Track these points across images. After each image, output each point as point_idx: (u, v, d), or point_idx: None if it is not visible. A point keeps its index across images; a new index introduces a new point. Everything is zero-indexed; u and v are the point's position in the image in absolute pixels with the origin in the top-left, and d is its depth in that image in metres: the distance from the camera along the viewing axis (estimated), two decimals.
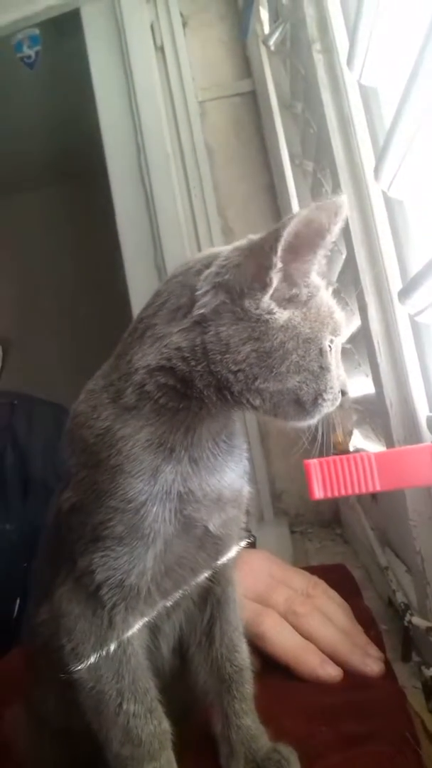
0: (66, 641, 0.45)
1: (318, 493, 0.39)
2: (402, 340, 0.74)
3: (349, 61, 0.71)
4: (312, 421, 0.47)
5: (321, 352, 0.45)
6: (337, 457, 0.40)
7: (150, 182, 1.67)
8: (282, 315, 0.44)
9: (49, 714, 0.52)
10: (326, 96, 0.82)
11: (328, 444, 0.51)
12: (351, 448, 1.15)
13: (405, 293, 0.67)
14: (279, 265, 0.42)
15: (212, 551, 0.49)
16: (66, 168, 2.97)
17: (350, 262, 0.85)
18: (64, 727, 0.51)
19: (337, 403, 0.47)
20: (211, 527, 0.47)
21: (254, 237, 0.45)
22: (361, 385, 1.18)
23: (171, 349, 0.44)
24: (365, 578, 0.97)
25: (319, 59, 0.83)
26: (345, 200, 0.42)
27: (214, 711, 0.51)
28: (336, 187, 0.86)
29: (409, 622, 0.67)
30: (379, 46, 0.65)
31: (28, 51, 1.91)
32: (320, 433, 0.49)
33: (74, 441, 0.47)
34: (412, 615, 0.67)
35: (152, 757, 0.44)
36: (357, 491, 0.38)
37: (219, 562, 0.51)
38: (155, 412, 0.45)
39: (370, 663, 0.64)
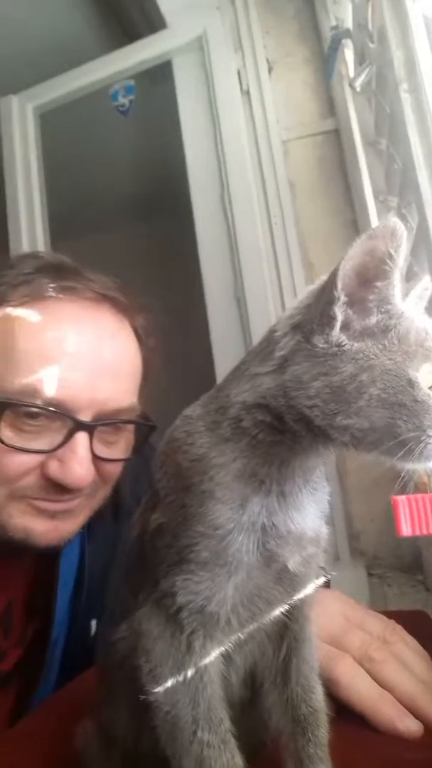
0: (144, 662, 0.46)
1: (405, 530, 0.38)
2: None
3: None
4: (428, 464, 0.43)
5: (411, 384, 0.41)
6: (427, 495, 0.38)
7: (233, 218, 1.72)
8: (353, 347, 0.43)
9: (119, 735, 0.52)
10: (413, 133, 0.82)
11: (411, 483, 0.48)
12: None
13: None
14: (342, 298, 0.42)
15: (289, 587, 0.48)
16: (153, 206, 3.11)
17: None
18: (133, 750, 0.51)
19: None
20: (291, 565, 0.46)
21: (324, 277, 0.45)
22: None
23: (263, 389, 0.45)
24: None
25: (406, 98, 0.84)
26: (397, 222, 0.42)
27: (287, 753, 0.50)
28: (422, 222, 0.85)
29: None
30: None
31: (122, 100, 2.05)
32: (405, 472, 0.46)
33: (167, 464, 0.49)
34: None
35: None
36: None
37: (295, 599, 0.50)
38: (251, 446, 0.46)
39: None
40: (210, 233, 1.79)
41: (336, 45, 1.45)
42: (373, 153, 1.41)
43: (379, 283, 0.43)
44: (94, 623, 0.85)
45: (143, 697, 0.45)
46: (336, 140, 1.70)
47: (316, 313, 0.44)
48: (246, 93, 1.82)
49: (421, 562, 1.36)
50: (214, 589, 0.44)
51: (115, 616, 0.51)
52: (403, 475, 0.46)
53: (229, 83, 1.83)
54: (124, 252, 3.38)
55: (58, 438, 0.72)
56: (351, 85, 1.27)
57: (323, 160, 1.72)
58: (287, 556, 0.46)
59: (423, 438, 0.41)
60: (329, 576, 0.94)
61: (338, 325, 0.43)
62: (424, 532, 0.37)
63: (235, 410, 0.46)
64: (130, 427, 0.82)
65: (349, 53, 1.49)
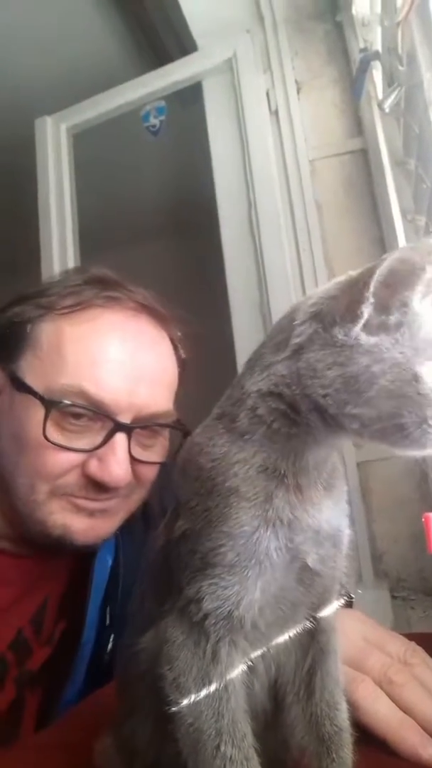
0: (168, 670, 0.45)
1: None
2: None
3: None
4: (427, 452, 0.46)
5: (415, 378, 0.43)
6: None
7: (259, 235, 1.74)
8: (369, 341, 0.44)
9: (141, 749, 0.51)
10: None
11: None
12: None
13: None
14: (371, 300, 0.44)
15: (310, 587, 0.48)
16: (181, 225, 3.15)
17: None
18: (154, 763, 0.50)
19: None
20: (310, 561, 0.46)
21: (353, 273, 0.47)
22: None
23: (277, 376, 0.47)
24: None
25: None
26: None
27: None
28: None
29: None
30: None
31: (153, 121, 2.10)
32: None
33: (189, 469, 0.49)
34: None
35: None
36: None
37: (318, 600, 0.49)
38: (268, 438, 0.47)
39: None
40: (237, 253, 1.81)
41: (365, 67, 1.47)
42: (400, 173, 1.41)
43: (405, 291, 0.44)
44: (112, 638, 0.86)
45: (166, 708, 0.45)
46: (363, 160, 1.71)
47: (342, 307, 0.45)
48: (274, 113, 1.85)
49: None
50: (242, 592, 0.44)
51: (139, 626, 0.52)
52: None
53: (258, 104, 1.86)
54: (151, 271, 3.42)
55: (99, 438, 0.77)
56: (380, 107, 1.28)
57: (350, 179, 1.73)
58: (306, 551, 0.46)
59: (424, 427, 0.43)
60: (352, 596, 0.93)
61: (362, 322, 0.44)
62: None
63: (251, 400, 0.48)
64: (166, 432, 0.86)
65: (377, 74, 1.50)
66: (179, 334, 0.90)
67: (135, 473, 0.81)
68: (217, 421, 0.50)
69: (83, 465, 0.77)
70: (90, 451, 0.77)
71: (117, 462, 0.76)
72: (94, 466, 0.77)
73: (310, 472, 0.47)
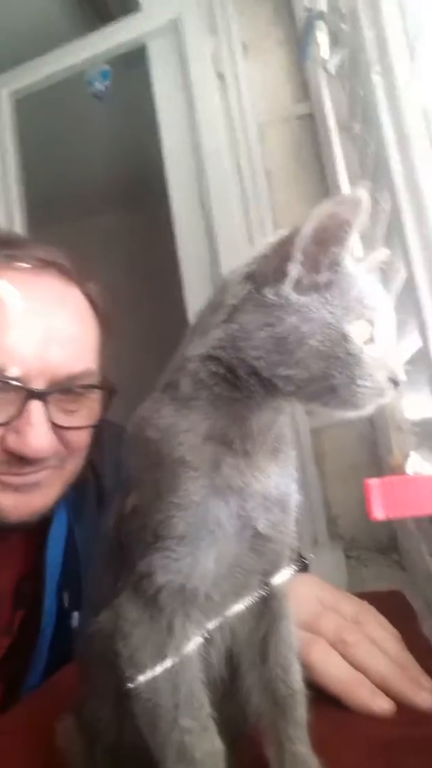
0: (123, 647, 0.45)
1: (378, 513, 0.38)
2: None
3: (409, 83, 0.71)
4: (361, 411, 0.46)
5: (344, 338, 0.44)
6: (399, 477, 0.39)
7: (209, 203, 1.71)
8: (299, 300, 0.44)
9: (102, 728, 0.52)
10: (385, 117, 0.82)
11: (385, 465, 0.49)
12: (409, 472, 1.12)
13: None
14: (299, 257, 0.44)
15: (262, 553, 0.48)
16: (131, 191, 3.08)
17: (410, 281, 0.84)
18: (116, 741, 0.51)
19: (388, 393, 0.45)
20: (260, 527, 0.46)
21: (284, 231, 0.46)
22: (420, 408, 1.15)
23: (215, 340, 0.46)
24: (424, 607, 0.93)
25: (378, 81, 0.83)
26: (363, 193, 0.43)
27: (267, 735, 0.50)
28: (395, 206, 0.86)
29: None
30: None
31: (98, 86, 2.02)
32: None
33: (137, 443, 0.49)
34: None
35: None
36: (419, 513, 0.38)
37: (269, 566, 0.50)
38: (212, 404, 0.46)
39: (424, 696, 0.61)
40: (187, 221, 1.78)
41: (310, 27, 1.44)
42: (347, 137, 1.41)
43: (334, 248, 0.44)
44: (76, 615, 0.85)
45: (124, 685, 0.45)
46: (311, 124, 1.70)
47: (271, 266, 0.45)
48: (221, 77, 1.80)
49: (397, 543, 1.39)
50: (194, 564, 0.44)
51: (95, 606, 0.51)
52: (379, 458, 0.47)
53: (205, 67, 1.81)
54: (102, 237, 3.35)
55: (13, 410, 0.71)
56: (325, 69, 1.26)
57: (299, 145, 1.71)
58: (256, 518, 0.46)
59: (353, 387, 0.44)
60: (307, 559, 0.95)
61: (290, 281, 0.44)
62: (397, 514, 0.38)
63: (193, 365, 0.47)
64: (94, 394, 0.81)
65: (322, 36, 1.47)
66: (96, 288, 0.84)
67: (62, 441, 0.77)
68: (162, 393, 0.49)
69: (1, 440, 0.72)
70: (5, 425, 0.71)
71: (35, 432, 0.72)
72: (12, 440, 0.72)
73: (255, 437, 0.47)
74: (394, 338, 0.47)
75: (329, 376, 0.44)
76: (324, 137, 1.57)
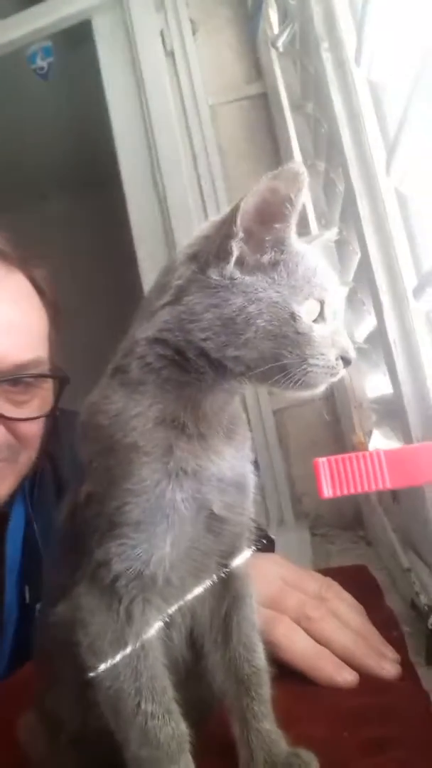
0: (83, 636, 0.45)
1: (327, 491, 0.38)
2: (418, 337, 0.73)
3: (357, 58, 0.70)
4: (314, 391, 0.46)
5: (293, 317, 0.44)
6: (346, 455, 0.39)
7: (163, 186, 1.68)
8: (244, 280, 0.44)
9: (65, 717, 0.51)
10: (335, 94, 0.81)
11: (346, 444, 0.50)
12: (371, 449, 1.13)
13: (420, 290, 0.67)
14: (240, 234, 0.44)
15: (219, 534, 0.48)
16: (80, 175, 3.00)
17: (364, 261, 0.85)
18: (80, 730, 0.50)
19: (338, 370, 0.46)
20: (215, 509, 0.47)
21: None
22: (379, 385, 1.17)
23: (161, 322, 0.46)
24: (388, 580, 0.95)
25: (327, 57, 0.83)
26: (301, 166, 0.43)
27: (232, 713, 0.50)
28: (348, 185, 0.86)
29: None
30: (387, 41, 0.65)
31: (41, 63, 1.94)
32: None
33: (88, 430, 0.48)
34: None
35: (171, 760, 0.43)
36: (367, 489, 0.38)
37: (228, 548, 0.50)
38: (161, 388, 0.46)
39: (386, 665, 0.63)
40: (141, 202, 1.74)
41: (259, 3, 1.42)
42: (300, 117, 1.40)
43: (277, 224, 0.44)
44: (39, 607, 0.84)
45: (85, 674, 0.44)
46: (264, 104, 1.68)
47: (214, 246, 0.45)
48: (170, 55, 1.76)
49: (362, 519, 1.41)
50: (151, 550, 0.44)
51: (53, 596, 0.50)
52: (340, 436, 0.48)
53: (153, 44, 1.76)
54: (54, 222, 3.27)
55: None
56: (273, 45, 1.25)
57: (251, 124, 1.70)
58: (212, 500, 0.46)
59: (304, 366, 0.44)
60: (272, 538, 0.96)
61: (233, 259, 0.44)
62: (345, 492, 0.38)
63: (140, 348, 0.47)
64: (45, 384, 0.79)
65: (273, 14, 1.46)
66: (42, 273, 0.82)
67: (13, 433, 0.75)
68: (111, 378, 0.48)
69: None
70: None
71: None
72: None
73: (209, 419, 0.47)
74: (344, 316, 0.47)
75: (279, 355, 0.44)
76: (277, 117, 1.56)
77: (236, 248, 0.44)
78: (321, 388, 0.47)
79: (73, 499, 0.49)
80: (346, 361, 0.46)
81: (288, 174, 0.43)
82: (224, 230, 0.44)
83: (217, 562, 0.50)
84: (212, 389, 0.46)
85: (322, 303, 0.46)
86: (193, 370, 0.46)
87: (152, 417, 0.45)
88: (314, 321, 0.45)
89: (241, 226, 0.43)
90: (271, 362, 0.44)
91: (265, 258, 0.44)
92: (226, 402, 0.49)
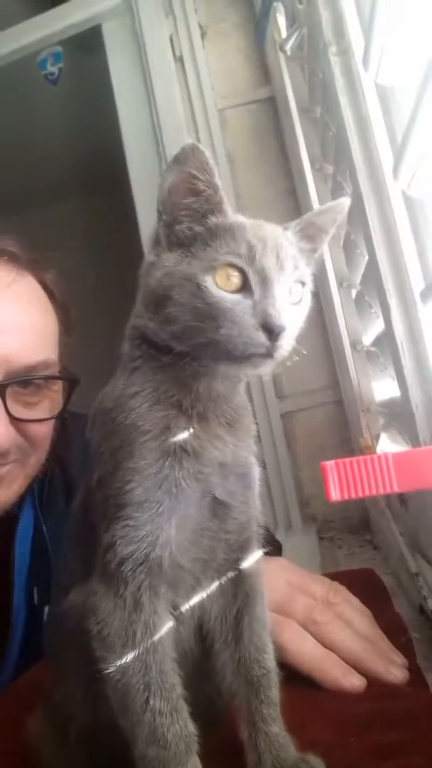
0: (93, 623, 0.45)
1: (335, 494, 0.38)
2: (426, 340, 0.72)
3: (365, 62, 0.71)
4: (252, 367, 0.46)
5: (198, 287, 0.44)
6: (354, 459, 0.39)
7: None
8: (164, 257, 0.47)
9: (75, 712, 0.51)
10: (343, 97, 0.81)
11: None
12: (379, 453, 1.13)
13: (427, 293, 0.67)
14: (164, 217, 0.47)
15: (224, 519, 0.48)
16: (89, 179, 3.02)
17: (372, 264, 0.84)
18: (89, 726, 0.50)
19: (260, 341, 0.44)
20: (217, 493, 0.47)
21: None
22: (387, 389, 1.16)
23: (136, 309, 0.50)
24: (396, 585, 0.95)
25: (335, 61, 0.83)
26: (193, 144, 0.46)
27: (240, 716, 0.50)
28: (356, 189, 0.86)
29: None
30: (394, 45, 0.65)
31: (51, 68, 1.96)
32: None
33: (97, 415, 0.49)
34: None
35: (178, 761, 0.43)
36: (374, 492, 0.38)
37: (235, 540, 0.50)
38: (152, 370, 0.48)
39: (394, 670, 0.62)
40: (150, 209, 1.74)
41: (267, 8, 1.42)
42: (308, 120, 1.40)
43: (189, 199, 0.47)
44: (47, 611, 0.84)
45: (95, 665, 0.44)
46: (272, 108, 1.68)
47: (153, 234, 0.49)
48: (179, 60, 1.77)
49: (369, 523, 1.41)
50: (156, 531, 0.44)
51: (65, 587, 0.51)
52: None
53: (162, 50, 1.77)
54: (64, 225, 3.29)
55: None
56: (281, 49, 1.25)
57: (260, 128, 1.70)
58: (213, 483, 0.47)
59: (217, 338, 0.44)
60: (279, 542, 0.96)
61: (163, 240, 0.48)
62: (352, 495, 0.38)
63: (130, 332, 0.50)
64: (55, 385, 0.79)
65: (281, 19, 1.46)
66: (53, 276, 0.83)
67: (24, 435, 0.75)
68: (120, 367, 0.51)
69: None
70: None
71: None
72: None
73: (205, 403, 0.48)
74: (278, 285, 0.46)
75: (200, 329, 0.44)
76: (285, 121, 1.56)
77: (161, 229, 0.48)
78: (261, 366, 0.46)
79: (85, 488, 0.50)
80: (268, 330, 0.44)
81: (183, 155, 0.46)
82: (157, 218, 0.48)
83: (224, 553, 0.50)
84: (200, 372, 0.47)
85: (244, 272, 0.45)
86: (167, 351, 0.47)
87: (149, 397, 0.47)
88: (235, 291, 0.45)
89: (162, 211, 0.47)
90: (198, 336, 0.45)
91: (182, 232, 0.47)
92: (230, 390, 0.49)
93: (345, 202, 0.53)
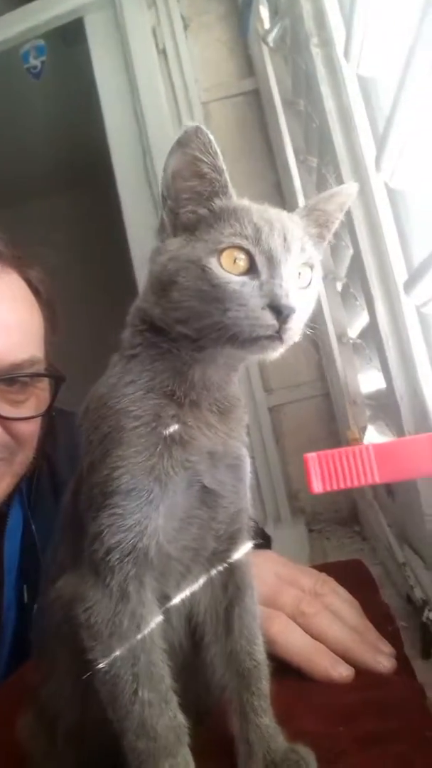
0: (81, 611, 0.45)
1: (317, 486, 0.38)
2: (410, 332, 0.73)
3: (346, 53, 0.70)
4: (260, 351, 0.45)
5: (204, 270, 0.44)
6: (335, 450, 0.39)
7: (156, 184, 1.68)
8: (169, 241, 0.47)
9: (62, 707, 0.51)
10: (325, 89, 0.81)
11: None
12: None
13: (410, 284, 0.67)
14: (169, 203, 0.47)
15: (213, 508, 0.48)
16: (72, 173, 3.00)
17: (356, 256, 0.85)
18: (77, 723, 0.50)
19: (268, 322, 0.43)
20: (206, 482, 0.47)
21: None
22: (373, 381, 1.17)
23: (143, 293, 0.50)
24: (383, 575, 0.96)
25: (317, 53, 0.83)
26: (197, 126, 0.46)
27: (231, 708, 0.50)
28: (340, 181, 0.86)
29: (428, 618, 0.65)
30: (375, 37, 0.65)
31: (34, 61, 1.93)
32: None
33: (90, 402, 0.49)
34: (430, 611, 0.66)
35: (169, 753, 0.43)
36: (356, 484, 0.38)
37: (225, 530, 0.50)
38: (150, 357, 0.47)
39: (382, 660, 0.63)
40: (134, 203, 1.74)
41: (249, 0, 1.41)
42: (292, 113, 1.40)
43: (193, 182, 0.46)
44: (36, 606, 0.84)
45: (84, 657, 0.44)
46: (256, 100, 1.68)
47: (160, 220, 0.49)
48: (162, 52, 1.76)
49: (358, 514, 1.42)
50: (144, 521, 0.44)
51: (54, 577, 0.50)
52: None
53: (144, 42, 1.75)
54: (48, 221, 3.26)
55: None
56: (264, 41, 1.24)
57: (244, 121, 1.69)
58: (202, 471, 0.47)
59: (224, 320, 0.44)
60: (269, 535, 0.96)
61: (168, 226, 0.47)
62: (335, 487, 0.38)
63: (130, 317, 0.50)
64: (41, 383, 0.79)
65: (264, 10, 1.45)
66: (38, 275, 0.82)
67: (10, 433, 0.75)
68: (118, 354, 0.50)
69: None
70: None
71: None
72: None
73: (199, 391, 0.47)
74: (286, 266, 0.45)
75: (207, 312, 0.44)
76: (269, 113, 1.56)
77: (165, 214, 0.47)
78: (269, 350, 0.45)
79: (75, 478, 0.50)
80: (276, 310, 0.43)
81: (186, 138, 0.45)
82: (161, 203, 0.48)
83: (214, 542, 0.50)
84: (197, 359, 0.47)
85: (250, 254, 0.45)
86: (169, 338, 0.47)
87: (144, 385, 0.46)
88: (242, 273, 0.44)
89: (167, 197, 0.47)
90: (205, 320, 0.44)
91: (186, 216, 0.47)
92: (223, 379, 0.49)
93: (352, 187, 0.52)
